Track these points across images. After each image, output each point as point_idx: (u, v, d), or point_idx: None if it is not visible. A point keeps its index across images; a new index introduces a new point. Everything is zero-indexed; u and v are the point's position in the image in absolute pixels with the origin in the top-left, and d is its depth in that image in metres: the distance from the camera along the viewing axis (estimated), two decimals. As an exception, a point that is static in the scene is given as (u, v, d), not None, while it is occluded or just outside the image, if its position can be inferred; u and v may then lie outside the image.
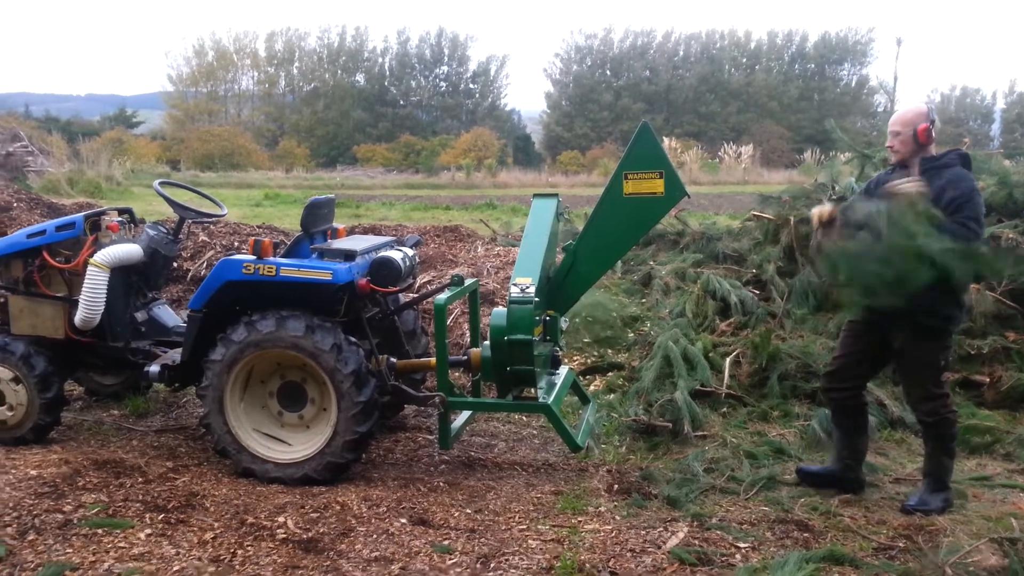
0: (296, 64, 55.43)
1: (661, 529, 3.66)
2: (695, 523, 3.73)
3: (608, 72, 55.18)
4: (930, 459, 3.99)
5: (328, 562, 3.30)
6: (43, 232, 4.69)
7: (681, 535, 3.59)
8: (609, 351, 6.35)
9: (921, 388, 3.91)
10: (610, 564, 3.32)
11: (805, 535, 3.62)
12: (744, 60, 55.17)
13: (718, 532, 3.63)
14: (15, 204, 10.01)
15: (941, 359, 3.91)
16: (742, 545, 3.51)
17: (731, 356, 5.48)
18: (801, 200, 7.02)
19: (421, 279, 6.99)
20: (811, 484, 4.17)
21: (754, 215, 7.58)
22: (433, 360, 4.41)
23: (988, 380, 5.34)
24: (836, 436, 4.20)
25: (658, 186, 4.20)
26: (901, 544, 3.53)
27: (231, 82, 54.65)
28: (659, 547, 3.48)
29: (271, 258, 4.17)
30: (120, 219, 4.91)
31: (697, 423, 4.86)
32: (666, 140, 32.65)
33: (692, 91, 52.78)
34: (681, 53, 55.47)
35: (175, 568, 3.21)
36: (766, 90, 52.16)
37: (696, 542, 3.53)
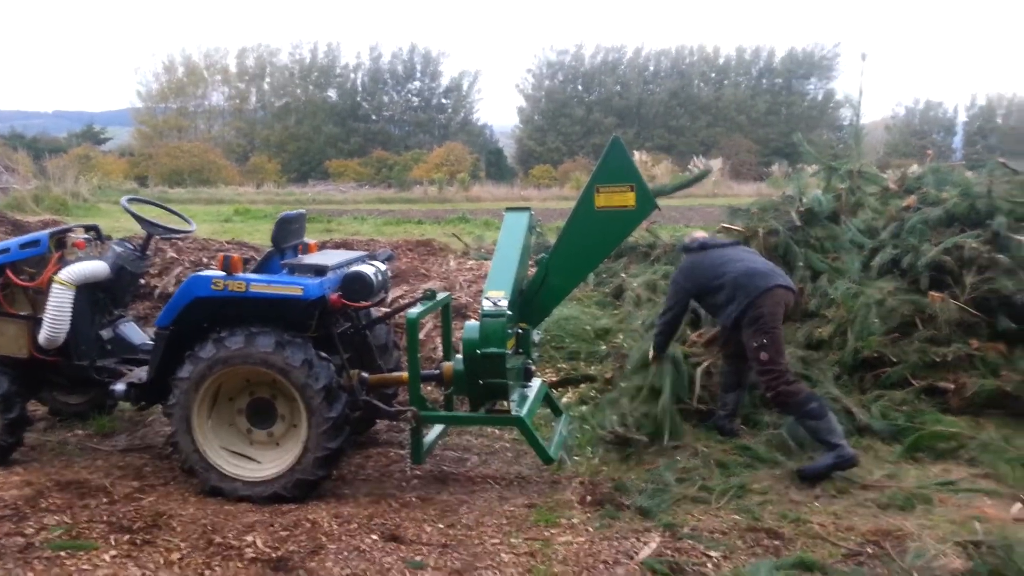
0: (267, 80, 55.15)
1: (634, 540, 3.67)
2: (667, 533, 3.74)
3: (580, 87, 55.60)
4: (804, 428, 4.58)
5: (298, 580, 3.26)
6: (7, 250, 4.61)
7: (653, 545, 3.60)
8: (581, 363, 6.37)
9: (754, 364, 4.65)
10: (583, 576, 3.32)
11: (775, 543, 3.65)
12: (713, 75, 55.86)
13: (690, 542, 3.65)
14: (-22, 221, 9.84)
15: (755, 343, 4.60)
16: (713, 554, 3.53)
17: (702, 367, 5.51)
18: (770, 212, 7.11)
19: (393, 293, 6.97)
20: (814, 480, 4.37)
21: (723, 227, 7.67)
22: (405, 374, 4.39)
23: (953, 387, 5.41)
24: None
25: (629, 199, 4.25)
26: (869, 550, 3.57)
27: (201, 98, 54.18)
28: (631, 558, 3.49)
29: (241, 274, 4.14)
30: (86, 236, 4.84)
31: (676, 434, 4.89)
32: (637, 154, 32.92)
33: (662, 105, 53.32)
34: (651, 68, 56.05)
35: (141, 589, 3.15)
36: (735, 104, 52.84)
37: (668, 552, 3.54)
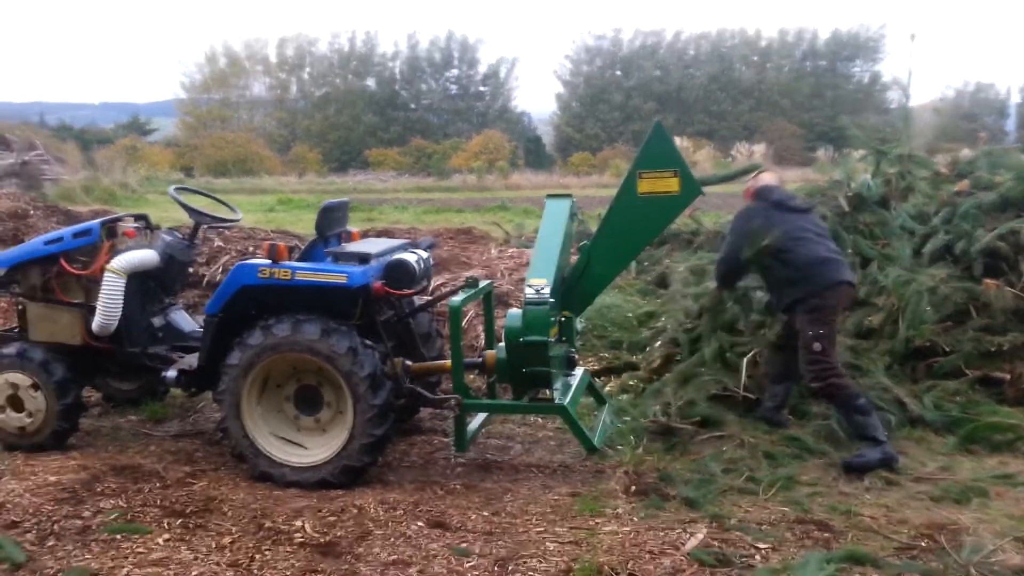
0: (307, 69, 55.60)
1: (680, 530, 3.64)
2: (714, 524, 3.70)
3: (618, 72, 55.05)
4: (848, 423, 4.53)
5: (346, 566, 3.30)
6: (60, 239, 4.72)
7: (700, 536, 3.56)
8: (624, 352, 6.32)
9: (803, 353, 4.55)
10: (628, 566, 3.30)
11: (825, 535, 3.59)
12: (755, 58, 54.86)
13: (737, 533, 3.61)
14: (32, 212, 10.12)
15: (811, 331, 4.50)
16: (762, 546, 3.49)
17: (748, 356, 5.43)
18: (816, 198, 6.96)
19: (435, 281, 6.99)
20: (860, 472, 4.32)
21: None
22: (448, 362, 4.41)
23: (1008, 377, 5.26)
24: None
25: (673, 185, 4.19)
26: (923, 544, 3.49)
27: (243, 88, 54.86)
28: (678, 548, 3.46)
29: (286, 262, 4.18)
30: (136, 225, 4.93)
31: (718, 425, 4.84)
32: (678, 139, 32.50)
33: (703, 90, 52.53)
34: (692, 52, 55.25)
35: (193, 573, 3.22)
36: (778, 88, 51.87)
37: (715, 543, 3.50)
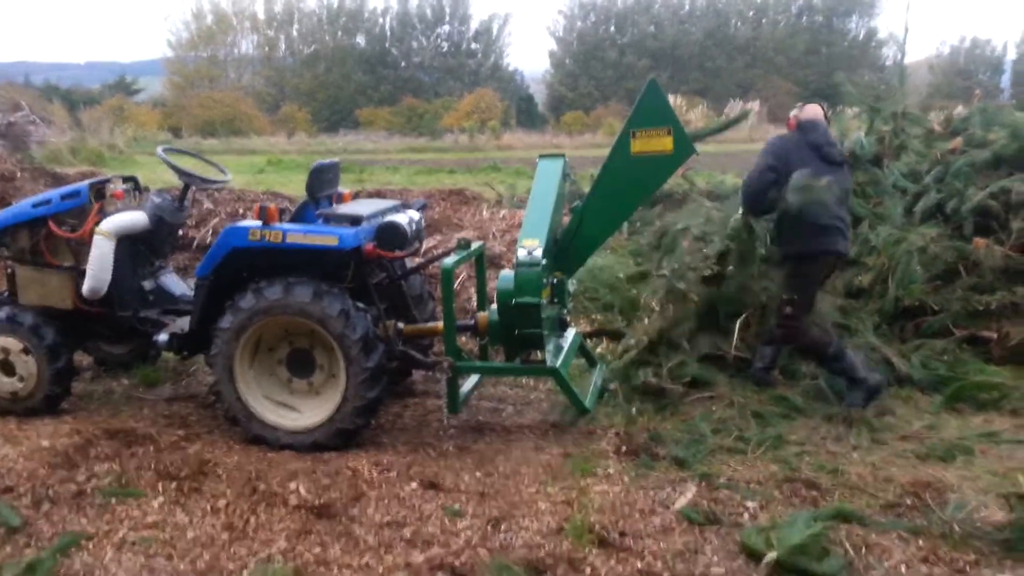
0: (295, 26, 54.65)
1: (669, 490, 3.69)
2: (703, 483, 3.75)
3: (612, 28, 54.32)
4: (829, 371, 4.77)
5: (340, 527, 3.34)
6: (48, 201, 4.67)
7: (689, 495, 3.61)
8: (616, 315, 6.33)
9: (776, 317, 4.75)
10: (619, 525, 3.35)
11: (813, 493, 3.65)
12: (751, 14, 54.18)
13: (726, 491, 3.66)
14: (18, 174, 9.98)
15: (785, 294, 4.67)
16: (750, 504, 3.54)
17: (741, 317, 5.45)
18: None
19: (427, 243, 6.97)
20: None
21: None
22: (440, 325, 4.41)
23: (996, 336, 5.31)
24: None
25: (667, 143, 4.16)
26: (908, 501, 3.55)
27: (231, 46, 53.97)
28: (668, 507, 3.52)
29: (277, 224, 4.16)
30: (125, 187, 4.88)
31: (708, 385, 4.87)
32: (672, 97, 32.12)
33: (698, 46, 51.94)
34: (687, 7, 54.49)
35: (189, 536, 3.25)
36: (773, 44, 51.32)
37: (704, 502, 3.56)
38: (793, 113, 4.90)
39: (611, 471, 3.92)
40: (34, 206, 4.69)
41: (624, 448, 4.17)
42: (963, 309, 5.47)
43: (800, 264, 4.68)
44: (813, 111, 4.82)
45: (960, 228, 5.87)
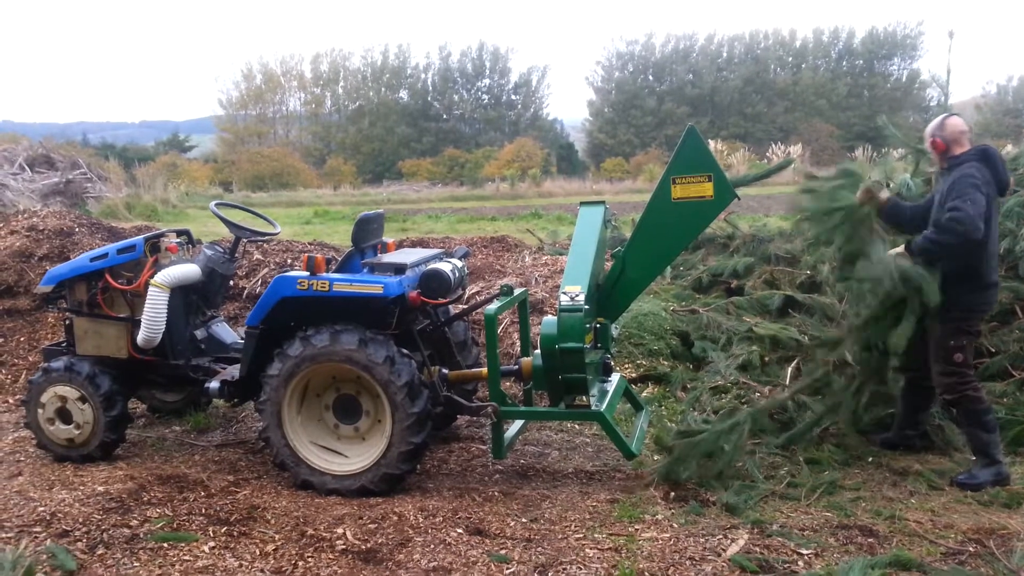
0: (341, 84, 56.39)
1: (720, 536, 3.61)
2: (755, 530, 3.67)
3: (651, 77, 54.88)
4: (968, 437, 4.35)
5: (387, 572, 3.33)
6: (105, 255, 4.85)
7: (741, 542, 3.53)
8: (661, 359, 6.29)
9: (939, 364, 4.26)
10: (669, 572, 3.29)
11: (869, 540, 3.54)
12: (790, 59, 54.32)
13: (779, 539, 3.57)
14: (77, 229, 10.31)
15: (954, 341, 4.22)
16: (804, 552, 3.44)
17: (792, 364, 5.37)
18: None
19: (470, 290, 7.03)
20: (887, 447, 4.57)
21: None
22: (485, 370, 4.43)
23: (1057, 378, 5.13)
24: (900, 408, 4.68)
25: (707, 189, 4.17)
26: (971, 548, 3.41)
27: (279, 104, 55.87)
28: (719, 555, 3.43)
29: (324, 274, 4.25)
30: (178, 240, 5.05)
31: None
32: (712, 143, 32.23)
33: (737, 92, 52.12)
34: (724, 55, 54.88)
35: (239, 580, 3.27)
36: (813, 88, 51.26)
37: (757, 549, 3.47)
38: (935, 136, 4.34)
39: (659, 517, 3.85)
40: (92, 260, 4.87)
41: (672, 494, 4.10)
42: (1021, 350, 5.31)
43: (971, 300, 4.22)
44: (959, 124, 4.33)
45: (1015, 268, 5.73)
